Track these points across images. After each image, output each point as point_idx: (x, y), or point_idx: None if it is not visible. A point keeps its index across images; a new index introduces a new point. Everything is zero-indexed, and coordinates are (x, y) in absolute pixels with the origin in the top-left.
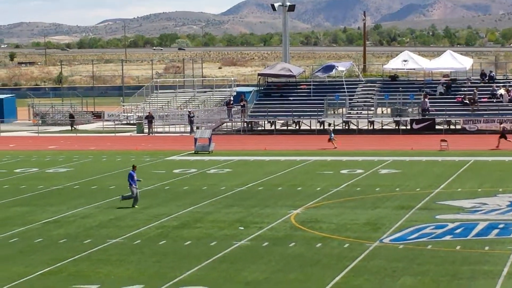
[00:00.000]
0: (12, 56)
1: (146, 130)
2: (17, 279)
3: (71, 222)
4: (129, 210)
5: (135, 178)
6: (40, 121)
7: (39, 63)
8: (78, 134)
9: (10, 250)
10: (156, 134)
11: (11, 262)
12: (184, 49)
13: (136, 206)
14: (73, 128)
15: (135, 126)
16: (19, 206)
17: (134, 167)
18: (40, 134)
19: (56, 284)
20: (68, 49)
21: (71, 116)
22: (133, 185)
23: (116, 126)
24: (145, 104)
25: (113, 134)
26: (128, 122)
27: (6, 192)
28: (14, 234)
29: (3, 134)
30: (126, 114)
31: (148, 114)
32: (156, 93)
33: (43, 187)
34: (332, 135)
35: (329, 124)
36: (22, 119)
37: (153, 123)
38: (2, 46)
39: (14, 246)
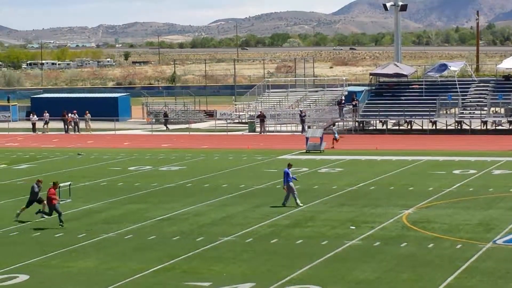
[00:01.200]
0: (126, 56)
1: (258, 129)
2: (131, 275)
3: (184, 219)
4: (240, 208)
5: (291, 175)
6: (153, 120)
7: (152, 62)
8: (191, 133)
9: (125, 246)
10: (267, 133)
11: (127, 259)
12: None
13: (299, 203)
14: (167, 127)
15: (247, 125)
16: (133, 203)
17: (289, 165)
18: (153, 133)
19: (169, 281)
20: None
21: (165, 115)
22: (290, 182)
23: (228, 125)
24: (257, 103)
25: (225, 133)
26: (240, 121)
27: (121, 189)
28: (129, 231)
29: (118, 132)
30: (238, 113)
31: (259, 113)
32: (267, 92)
33: (157, 184)
34: (337, 135)
35: (333, 124)
36: (136, 118)
37: (264, 122)
38: (117, 45)
39: (129, 243)
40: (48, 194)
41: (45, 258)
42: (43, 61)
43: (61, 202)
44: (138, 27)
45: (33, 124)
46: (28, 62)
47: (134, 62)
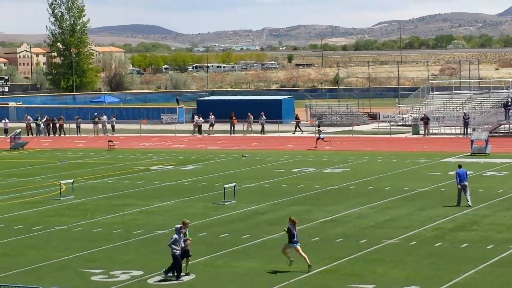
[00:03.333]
0: (290, 58)
1: (421, 132)
2: (294, 276)
3: (347, 222)
4: (404, 211)
5: (465, 175)
6: (317, 122)
7: (316, 65)
8: (354, 135)
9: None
10: (431, 136)
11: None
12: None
13: (470, 204)
14: (297, 129)
15: (411, 128)
16: (296, 205)
17: (459, 166)
18: (317, 135)
19: (332, 283)
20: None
21: (296, 117)
22: (465, 181)
23: (392, 127)
24: (421, 106)
25: (388, 135)
26: (404, 123)
27: (285, 191)
28: None
29: (281, 134)
30: (401, 116)
31: (423, 115)
32: (431, 94)
33: (320, 186)
34: (322, 135)
35: (318, 125)
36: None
37: (428, 125)
38: (281, 48)
39: None
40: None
41: (211, 258)
42: (209, 64)
43: (226, 203)
44: (301, 30)
45: (199, 126)
46: (194, 65)
47: (297, 65)
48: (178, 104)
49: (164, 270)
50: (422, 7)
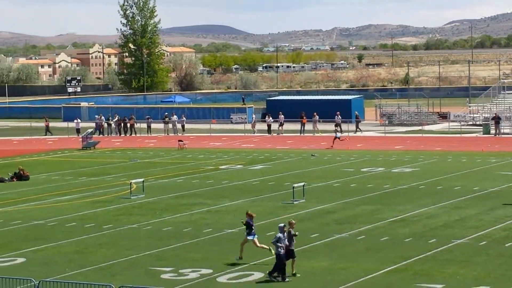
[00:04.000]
0: (360, 58)
1: (492, 131)
2: (363, 275)
3: (416, 221)
4: (474, 211)
5: None
6: (386, 122)
7: (386, 65)
8: (424, 135)
9: (358, 247)
10: (502, 135)
11: (359, 259)
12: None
13: None
14: (357, 129)
15: (481, 127)
16: (366, 204)
17: None
18: (386, 134)
19: (401, 282)
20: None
21: (357, 117)
22: None
23: (462, 127)
24: (492, 105)
25: (458, 135)
26: (474, 123)
27: (354, 190)
28: (361, 231)
29: (351, 134)
30: (472, 115)
31: (494, 115)
32: (503, 93)
33: (389, 186)
34: (338, 134)
35: (336, 125)
36: (369, 120)
37: (499, 124)
38: (351, 48)
39: (361, 243)
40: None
41: None
42: (278, 64)
43: (295, 202)
44: (372, 29)
45: (268, 126)
46: (264, 65)
47: (367, 64)
48: (244, 104)
49: (268, 272)
50: (494, 5)
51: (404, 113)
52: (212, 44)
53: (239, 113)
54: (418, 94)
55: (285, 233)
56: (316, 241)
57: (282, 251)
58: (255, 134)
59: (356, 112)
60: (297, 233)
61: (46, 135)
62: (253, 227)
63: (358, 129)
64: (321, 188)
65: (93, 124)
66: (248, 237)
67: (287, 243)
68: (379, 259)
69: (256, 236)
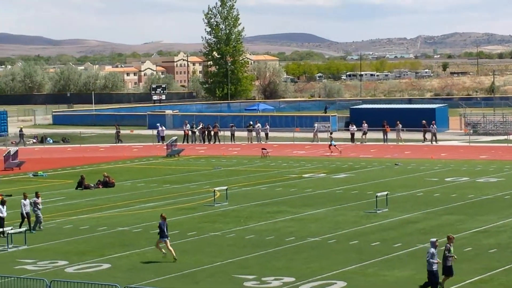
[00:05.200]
0: (444, 66)
1: None
2: (447, 286)
3: (502, 232)
4: None
5: None
6: (471, 131)
7: (471, 73)
8: (510, 144)
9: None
10: None
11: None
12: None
13: None
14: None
15: None
16: (449, 214)
17: None
18: (471, 144)
19: None
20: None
21: (424, 126)
22: None
23: None
24: None
25: None
26: None
27: (437, 200)
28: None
29: (434, 143)
30: None
31: None
32: None
33: (473, 196)
34: (333, 142)
35: (330, 133)
36: (454, 129)
37: None
38: (435, 56)
39: None
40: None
41: (362, 266)
42: (362, 72)
43: (378, 211)
44: (456, 37)
45: (352, 135)
46: (347, 73)
47: (452, 73)
48: (325, 113)
49: (419, 286)
50: None
51: (489, 122)
52: (296, 52)
53: (322, 121)
54: (503, 103)
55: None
56: (399, 250)
57: (435, 267)
58: (316, 143)
59: (424, 121)
60: (455, 256)
61: (116, 142)
62: (165, 230)
63: (431, 139)
64: (404, 197)
65: (178, 132)
66: (161, 239)
67: (437, 259)
68: (463, 269)
69: (168, 238)
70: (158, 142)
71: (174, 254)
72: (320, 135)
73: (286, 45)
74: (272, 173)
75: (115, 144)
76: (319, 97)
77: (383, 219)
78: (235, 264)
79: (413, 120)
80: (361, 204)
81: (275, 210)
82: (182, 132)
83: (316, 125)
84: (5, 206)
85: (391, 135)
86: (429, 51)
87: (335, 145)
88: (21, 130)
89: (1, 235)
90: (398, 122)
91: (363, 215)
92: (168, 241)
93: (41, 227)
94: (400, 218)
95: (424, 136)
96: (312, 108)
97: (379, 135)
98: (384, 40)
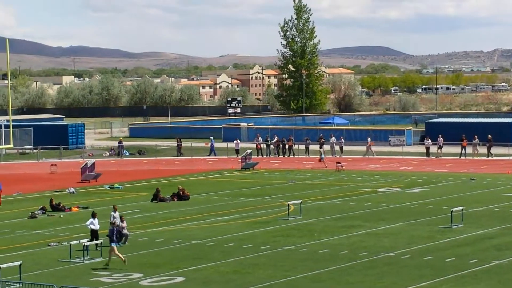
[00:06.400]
0: None
1: None
2: None
3: None
4: None
5: None
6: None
7: None
8: None
9: None
10: None
11: None
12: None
13: None
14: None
15: None
16: None
17: None
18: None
19: None
20: None
21: (489, 140)
22: None
23: None
24: None
25: None
26: None
27: None
28: None
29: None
30: None
31: None
32: None
33: None
34: (323, 156)
35: (320, 146)
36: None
37: None
38: None
39: None
40: None
41: (436, 282)
42: (438, 86)
43: (453, 227)
44: None
45: (427, 149)
46: (423, 86)
47: None
48: (416, 126)
49: None
50: None
51: None
52: (371, 65)
53: (397, 135)
54: None
55: None
56: (474, 267)
57: None
58: (372, 156)
59: (489, 136)
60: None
61: (178, 156)
62: (113, 236)
63: (489, 153)
64: (480, 212)
65: (253, 145)
66: (111, 244)
67: None
68: None
69: (117, 244)
70: (209, 155)
71: (123, 258)
72: (394, 149)
73: (361, 58)
74: (347, 187)
75: (189, 157)
76: (394, 110)
77: (458, 234)
78: (308, 278)
79: (489, 134)
80: (435, 219)
81: (349, 225)
82: (255, 145)
83: (369, 139)
84: (96, 219)
85: (468, 149)
86: (506, 64)
87: (322, 160)
88: (120, 142)
89: (96, 247)
90: (475, 136)
91: (437, 230)
92: (116, 247)
93: (126, 242)
94: (476, 234)
95: (488, 151)
96: (387, 122)
97: (455, 149)
98: (460, 53)
